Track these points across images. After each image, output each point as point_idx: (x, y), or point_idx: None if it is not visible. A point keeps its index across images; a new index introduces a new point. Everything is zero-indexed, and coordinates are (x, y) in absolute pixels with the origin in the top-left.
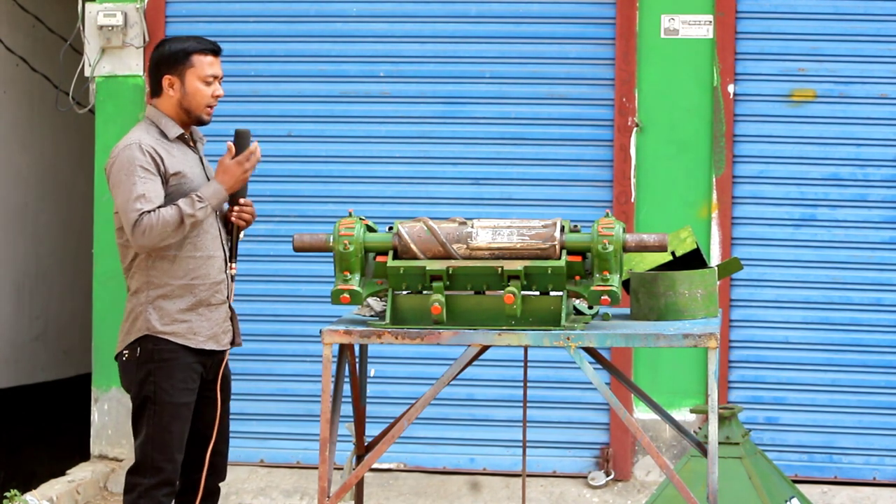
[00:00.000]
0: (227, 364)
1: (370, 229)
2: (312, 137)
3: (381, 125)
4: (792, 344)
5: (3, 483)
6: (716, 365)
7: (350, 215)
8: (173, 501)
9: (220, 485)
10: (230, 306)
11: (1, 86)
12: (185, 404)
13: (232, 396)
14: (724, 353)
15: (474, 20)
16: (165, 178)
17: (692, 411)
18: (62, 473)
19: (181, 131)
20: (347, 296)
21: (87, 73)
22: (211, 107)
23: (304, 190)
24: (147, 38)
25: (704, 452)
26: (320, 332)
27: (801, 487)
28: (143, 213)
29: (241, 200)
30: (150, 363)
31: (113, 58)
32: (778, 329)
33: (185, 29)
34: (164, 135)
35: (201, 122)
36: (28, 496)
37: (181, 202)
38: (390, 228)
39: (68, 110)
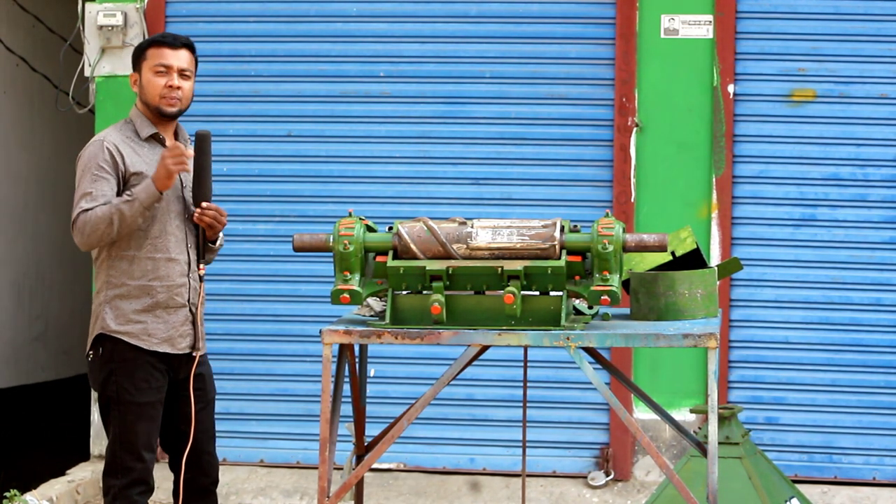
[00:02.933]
0: (204, 364)
1: (370, 229)
2: (312, 137)
3: (381, 125)
4: (792, 344)
5: (2, 483)
6: (715, 365)
7: (350, 215)
8: (148, 501)
9: (222, 484)
10: (192, 310)
11: (1, 86)
12: (149, 403)
13: (232, 396)
14: (724, 353)
15: (474, 20)
16: (125, 178)
17: (692, 411)
18: (62, 473)
19: (153, 130)
20: (347, 296)
21: (87, 73)
22: (166, 97)
23: (304, 190)
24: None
25: (704, 452)
26: (320, 332)
27: (801, 487)
28: (82, 211)
29: (204, 204)
30: (110, 363)
31: (113, 58)
32: (778, 329)
33: (185, 29)
34: (137, 133)
35: (165, 115)
36: (28, 496)
37: (115, 199)
38: (390, 228)
39: (68, 110)
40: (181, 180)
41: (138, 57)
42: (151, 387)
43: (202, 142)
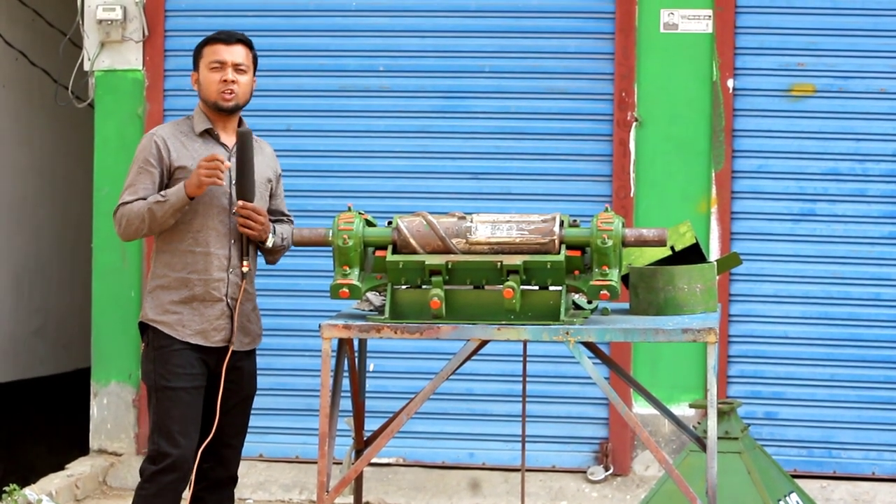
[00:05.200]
0: (248, 360)
1: (369, 224)
2: (311, 132)
3: (380, 119)
4: (791, 339)
5: (2, 477)
6: (715, 360)
7: (349, 210)
8: (187, 489)
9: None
10: (230, 305)
11: (0, 80)
12: (185, 389)
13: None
14: (724, 348)
15: (474, 14)
16: (170, 171)
17: (691, 406)
18: (61, 468)
19: (207, 126)
20: (346, 290)
21: (87, 67)
22: (223, 92)
23: (303, 184)
24: (146, 33)
25: (703, 447)
26: (319, 326)
27: (800, 482)
28: (122, 203)
29: (240, 203)
30: (152, 351)
31: (112, 52)
32: (777, 324)
33: (184, 23)
34: (192, 129)
35: (222, 110)
36: (27, 490)
37: (150, 197)
38: (389, 223)
39: (67, 104)
40: (230, 176)
41: (197, 56)
42: (187, 373)
43: (243, 140)
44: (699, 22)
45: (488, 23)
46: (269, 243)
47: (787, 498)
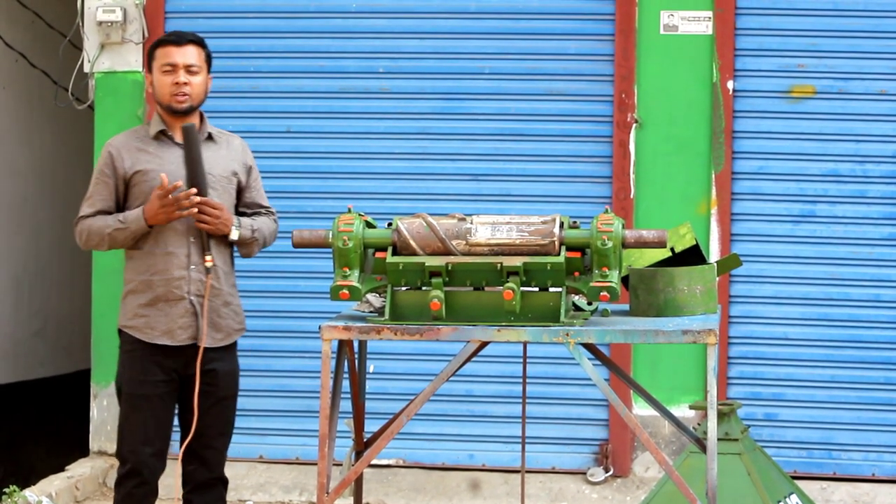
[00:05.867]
0: (223, 360)
1: (369, 225)
2: (311, 133)
3: (380, 121)
4: (791, 340)
5: (2, 479)
6: (715, 361)
7: (349, 211)
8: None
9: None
10: (192, 303)
11: (0, 82)
12: (145, 396)
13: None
14: (724, 350)
15: (473, 16)
16: (126, 179)
17: (691, 407)
18: (61, 469)
19: (160, 128)
20: (346, 292)
21: (87, 68)
22: (176, 95)
23: (303, 186)
24: (146, 34)
25: (703, 449)
26: (319, 327)
27: (801, 483)
28: (81, 217)
29: (194, 198)
30: (122, 356)
31: (112, 54)
32: (777, 325)
33: (185, 25)
34: (148, 132)
35: (176, 112)
36: (27, 492)
37: (111, 218)
38: (389, 224)
39: (67, 106)
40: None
41: (149, 58)
42: (149, 380)
43: (186, 135)
44: (699, 23)
45: (488, 24)
46: (234, 235)
47: (787, 499)
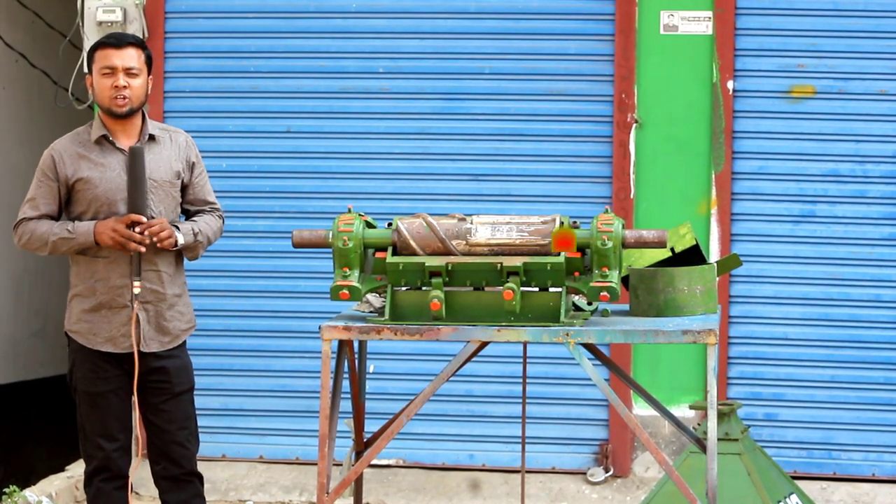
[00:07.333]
0: (172, 357)
1: (369, 225)
2: (311, 133)
3: (380, 121)
4: (791, 340)
5: (2, 478)
6: (715, 361)
7: (349, 211)
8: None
9: (221, 479)
10: (133, 309)
11: (0, 82)
12: (100, 393)
13: (231, 392)
14: (724, 350)
15: (473, 16)
16: (68, 185)
17: (691, 407)
18: (61, 469)
19: (102, 133)
20: (346, 292)
21: (86, 69)
22: (115, 98)
23: (303, 186)
24: (146, 35)
25: (703, 449)
26: (319, 328)
27: (801, 484)
28: (24, 219)
29: (133, 217)
30: (70, 355)
31: None
32: (777, 325)
33: (184, 25)
34: (90, 136)
35: (116, 116)
36: (27, 492)
37: (57, 226)
38: (389, 224)
39: (67, 106)
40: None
41: (89, 60)
42: (100, 377)
43: (132, 159)
44: (699, 24)
45: (488, 24)
46: (179, 244)
47: (788, 499)
